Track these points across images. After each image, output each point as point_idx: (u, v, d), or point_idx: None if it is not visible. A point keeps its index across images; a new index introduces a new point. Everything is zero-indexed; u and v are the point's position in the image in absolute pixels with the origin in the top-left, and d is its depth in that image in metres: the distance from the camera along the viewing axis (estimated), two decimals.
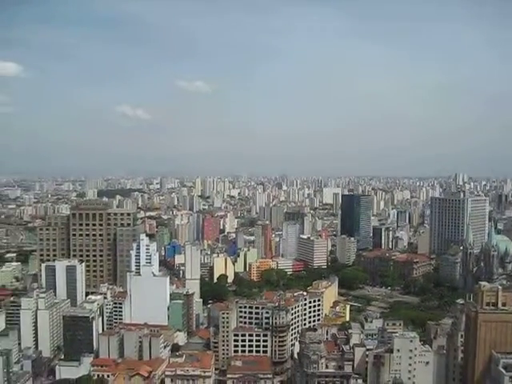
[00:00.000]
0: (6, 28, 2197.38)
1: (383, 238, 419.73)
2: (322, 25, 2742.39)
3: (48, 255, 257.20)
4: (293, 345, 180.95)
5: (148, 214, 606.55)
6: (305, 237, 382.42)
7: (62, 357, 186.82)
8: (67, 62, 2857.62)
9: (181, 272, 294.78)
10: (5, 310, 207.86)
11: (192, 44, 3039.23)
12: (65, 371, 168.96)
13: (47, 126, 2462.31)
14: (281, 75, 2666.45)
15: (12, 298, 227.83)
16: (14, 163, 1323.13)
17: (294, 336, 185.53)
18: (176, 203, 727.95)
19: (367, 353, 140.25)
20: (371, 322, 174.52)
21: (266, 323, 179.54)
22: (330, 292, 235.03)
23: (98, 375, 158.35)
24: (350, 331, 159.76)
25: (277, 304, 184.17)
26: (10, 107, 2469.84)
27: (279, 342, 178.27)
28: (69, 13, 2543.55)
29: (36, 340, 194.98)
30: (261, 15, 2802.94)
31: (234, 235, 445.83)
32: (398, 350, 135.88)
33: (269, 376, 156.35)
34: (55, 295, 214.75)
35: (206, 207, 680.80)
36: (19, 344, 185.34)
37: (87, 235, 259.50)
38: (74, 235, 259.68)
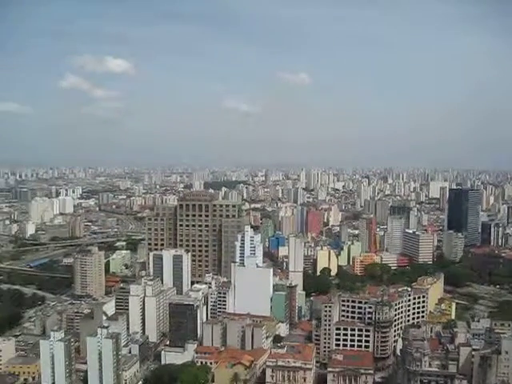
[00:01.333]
0: (114, 26, 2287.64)
1: (492, 234, 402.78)
2: (429, 12, 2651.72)
3: (156, 244, 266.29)
4: (395, 341, 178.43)
5: (253, 205, 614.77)
6: (410, 231, 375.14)
7: (168, 343, 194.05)
8: (174, 57, 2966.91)
9: (284, 264, 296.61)
10: (115, 296, 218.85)
11: (297, 36, 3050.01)
12: (170, 357, 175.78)
13: (155, 119, 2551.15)
14: (384, 67, 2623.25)
15: (122, 285, 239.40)
16: (124, 155, 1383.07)
17: (396, 332, 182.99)
18: (280, 195, 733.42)
19: (473, 353, 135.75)
20: (478, 321, 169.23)
21: (369, 318, 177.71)
22: (435, 289, 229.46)
23: (202, 362, 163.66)
24: (455, 330, 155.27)
25: (380, 299, 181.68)
26: (120, 102, 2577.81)
27: (381, 337, 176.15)
28: (177, 9, 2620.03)
29: (143, 325, 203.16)
30: (366, 5, 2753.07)
31: (337, 228, 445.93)
32: (507, 352, 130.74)
33: (370, 371, 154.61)
34: (162, 283, 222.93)
35: (310, 200, 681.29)
36: (127, 328, 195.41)
37: (193, 226, 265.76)
38: (181, 225, 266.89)
